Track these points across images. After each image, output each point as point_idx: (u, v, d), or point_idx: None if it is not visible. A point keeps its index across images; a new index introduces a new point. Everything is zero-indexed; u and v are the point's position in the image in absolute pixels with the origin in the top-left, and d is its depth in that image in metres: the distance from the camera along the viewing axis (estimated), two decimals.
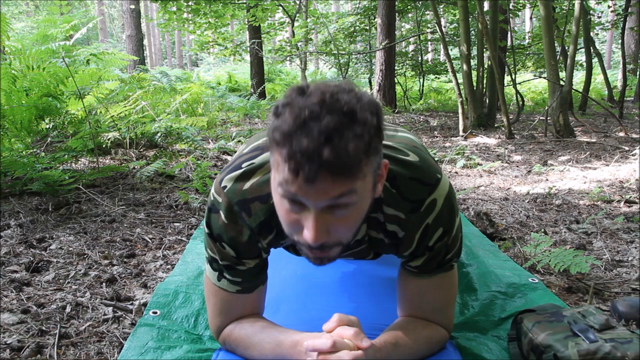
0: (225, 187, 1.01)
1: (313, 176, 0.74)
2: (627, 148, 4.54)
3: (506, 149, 4.84)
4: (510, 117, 6.16)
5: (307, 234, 0.81)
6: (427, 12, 10.95)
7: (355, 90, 0.79)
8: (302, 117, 0.74)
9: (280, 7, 11.12)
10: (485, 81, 6.82)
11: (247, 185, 0.99)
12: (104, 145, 3.51)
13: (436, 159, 4.20)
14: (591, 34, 8.55)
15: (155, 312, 1.33)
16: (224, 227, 1.01)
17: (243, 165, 1.02)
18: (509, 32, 7.66)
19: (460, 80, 6.36)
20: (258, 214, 0.99)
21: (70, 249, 1.94)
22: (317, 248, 0.84)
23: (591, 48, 7.91)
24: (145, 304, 1.48)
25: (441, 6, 10.13)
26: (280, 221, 0.88)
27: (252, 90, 10.52)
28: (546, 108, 5.78)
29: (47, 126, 3.25)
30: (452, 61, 6.58)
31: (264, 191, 0.98)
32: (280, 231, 1.02)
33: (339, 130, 0.73)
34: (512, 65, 7.92)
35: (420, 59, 11.24)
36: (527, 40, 12.29)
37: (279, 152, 0.76)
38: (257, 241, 1.03)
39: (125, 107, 3.59)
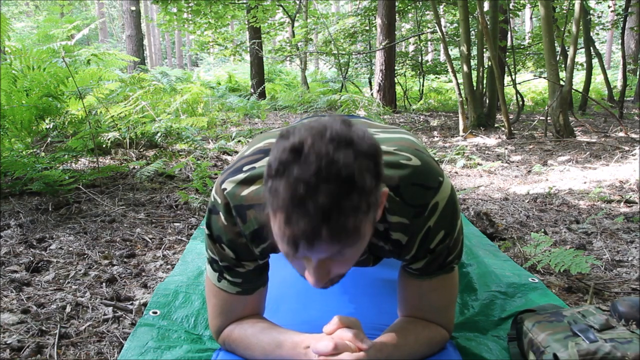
0: (225, 189, 1.01)
1: (311, 249, 0.75)
2: (627, 148, 4.54)
3: (506, 149, 4.84)
4: (510, 117, 6.16)
5: (310, 279, 0.83)
6: (427, 12, 10.95)
7: (354, 140, 0.75)
8: (299, 194, 0.72)
9: (281, 8, 11.12)
10: (485, 81, 6.82)
11: (246, 192, 0.99)
12: (104, 145, 3.51)
13: (436, 159, 4.20)
14: (591, 34, 8.55)
15: (155, 312, 1.33)
16: (223, 228, 1.01)
17: (244, 169, 1.01)
18: (509, 32, 7.66)
19: (460, 80, 6.36)
20: (252, 222, 0.99)
21: (70, 249, 1.94)
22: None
23: (591, 48, 7.91)
24: (145, 304, 1.48)
25: (441, 6, 10.13)
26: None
27: (252, 90, 10.52)
28: (546, 108, 5.78)
29: (47, 126, 3.25)
30: (452, 61, 6.58)
31: (261, 200, 0.97)
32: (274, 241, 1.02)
33: (336, 205, 0.72)
34: (512, 65, 7.92)
35: (420, 59, 11.24)
36: (527, 40, 12.30)
37: (276, 217, 0.76)
38: (251, 247, 1.03)
39: (125, 107, 3.59)
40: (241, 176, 1.00)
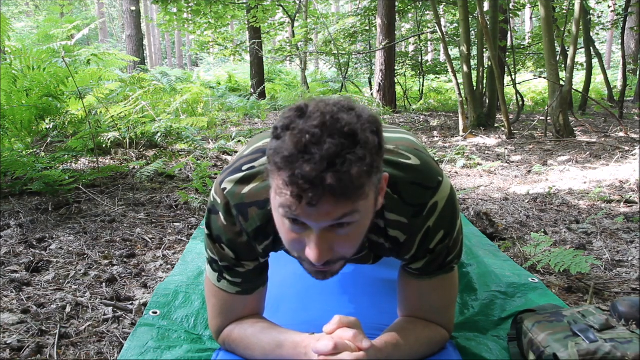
0: (225, 189, 1.01)
1: (316, 201, 0.74)
2: (627, 148, 4.54)
3: (506, 149, 4.84)
4: (510, 117, 6.16)
5: (310, 253, 0.82)
6: (427, 12, 10.95)
7: (356, 108, 0.78)
8: (304, 142, 0.73)
9: (281, 8, 11.12)
10: (485, 81, 6.82)
11: (246, 189, 0.99)
12: (104, 145, 3.51)
13: (436, 159, 4.20)
14: (591, 34, 8.55)
15: (155, 312, 1.33)
16: (223, 228, 1.01)
17: (243, 168, 1.02)
18: (509, 32, 7.66)
19: (460, 81, 6.36)
20: (255, 219, 0.99)
21: (70, 249, 1.94)
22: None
23: (591, 48, 7.91)
24: (145, 304, 1.48)
25: (441, 6, 10.13)
26: (282, 238, 0.88)
27: (252, 90, 10.52)
28: (546, 108, 5.78)
29: (47, 126, 3.25)
30: (452, 61, 6.58)
31: (262, 197, 0.98)
32: (278, 238, 1.02)
33: (340, 154, 0.73)
34: (512, 65, 7.92)
35: (420, 59, 11.24)
36: (527, 40, 12.30)
37: (280, 175, 0.76)
38: (253, 245, 1.03)
39: (125, 107, 3.59)
40: (240, 175, 1.01)
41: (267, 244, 1.03)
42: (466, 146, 4.98)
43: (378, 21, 8.47)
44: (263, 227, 1.00)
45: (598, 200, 2.83)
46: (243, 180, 1.00)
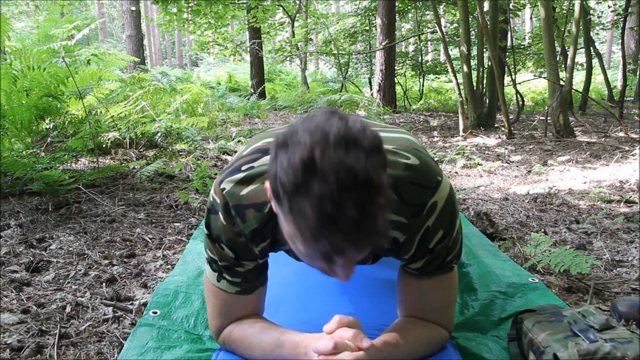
0: (224, 189, 1.01)
1: (346, 257, 0.76)
2: (627, 148, 4.54)
3: (506, 149, 4.84)
4: (510, 117, 6.16)
5: (338, 278, 0.83)
6: (427, 12, 10.95)
7: (357, 135, 0.74)
8: (326, 212, 0.71)
9: (281, 8, 11.12)
10: (485, 81, 6.82)
11: (245, 191, 0.99)
12: (104, 145, 3.51)
13: (436, 159, 4.20)
14: (591, 34, 8.55)
15: (155, 312, 1.33)
16: (222, 228, 1.01)
17: (243, 168, 1.02)
18: (509, 32, 7.66)
19: (460, 81, 6.36)
20: (252, 220, 0.99)
21: (70, 249, 1.94)
22: None
23: (591, 48, 7.91)
24: (145, 304, 1.48)
25: (441, 6, 10.13)
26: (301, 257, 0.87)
27: (252, 90, 10.52)
28: (546, 108, 5.79)
29: (47, 126, 3.25)
30: (452, 61, 6.58)
31: (260, 199, 0.98)
32: (275, 240, 1.02)
33: (363, 211, 0.72)
34: (512, 65, 7.92)
35: (420, 59, 11.24)
36: (527, 40, 12.30)
37: (305, 241, 0.75)
38: (250, 246, 1.03)
39: (125, 107, 3.59)
40: (240, 175, 1.00)
41: (264, 246, 1.03)
42: (466, 146, 4.98)
43: (378, 21, 8.47)
44: (260, 229, 1.00)
45: (598, 200, 2.83)
46: (242, 181, 1.00)
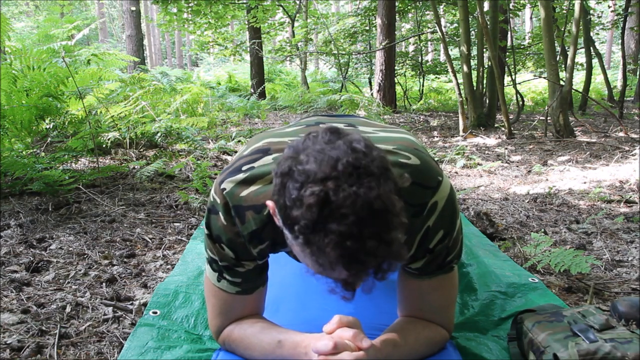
0: (224, 189, 1.01)
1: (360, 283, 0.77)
2: (627, 148, 4.54)
3: (506, 149, 4.84)
4: (510, 117, 6.16)
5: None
6: (427, 12, 10.95)
7: (366, 162, 0.73)
8: (349, 250, 0.71)
9: (281, 8, 11.13)
10: (485, 81, 6.82)
11: (245, 192, 0.99)
12: (104, 145, 3.51)
13: (436, 159, 4.20)
14: (591, 34, 8.55)
15: (155, 312, 1.33)
16: (222, 228, 1.01)
17: (243, 168, 1.02)
18: (509, 32, 7.66)
19: (460, 80, 6.36)
20: (250, 222, 0.99)
21: (70, 249, 1.94)
22: None
23: (591, 48, 7.91)
24: (145, 304, 1.48)
25: (441, 6, 10.13)
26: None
27: (252, 90, 10.53)
28: (546, 108, 5.78)
29: (47, 126, 3.25)
30: (452, 61, 6.58)
31: (259, 201, 0.98)
32: (274, 243, 1.02)
33: (382, 240, 0.73)
34: (512, 65, 7.92)
35: (420, 59, 11.24)
36: (527, 40, 12.30)
37: (329, 271, 0.76)
38: (248, 247, 1.03)
39: (125, 107, 3.59)
40: (240, 176, 1.00)
41: (262, 248, 1.03)
42: (466, 146, 4.98)
43: (378, 21, 8.47)
44: (258, 231, 0.99)
45: (598, 200, 2.83)
46: (242, 182, 1.00)
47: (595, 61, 8.59)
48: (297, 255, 0.82)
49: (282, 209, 0.76)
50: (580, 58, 8.50)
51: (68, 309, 1.44)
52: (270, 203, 0.83)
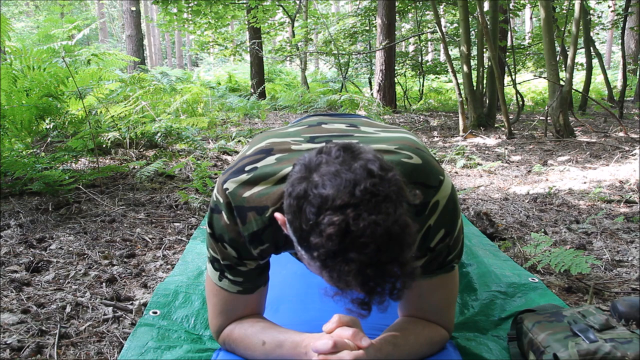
0: (227, 189, 1.01)
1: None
2: (627, 148, 4.54)
3: (506, 149, 4.84)
4: (510, 117, 6.16)
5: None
6: (427, 12, 10.95)
7: (382, 186, 0.74)
8: (370, 277, 0.73)
9: (281, 8, 11.13)
10: (485, 81, 6.82)
11: (248, 193, 0.99)
12: (104, 145, 3.51)
13: (436, 159, 4.20)
14: (591, 34, 8.55)
15: (155, 312, 1.33)
16: (225, 227, 1.01)
17: (246, 169, 1.01)
18: (509, 32, 7.66)
19: (460, 81, 6.36)
20: (252, 223, 0.99)
21: (70, 249, 1.94)
22: None
23: (591, 48, 7.91)
24: (145, 304, 1.48)
25: (441, 6, 10.13)
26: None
27: (252, 90, 10.53)
28: (546, 108, 5.78)
29: (47, 126, 3.25)
30: (452, 61, 6.58)
31: (262, 203, 0.98)
32: (276, 245, 1.02)
33: (400, 261, 0.74)
34: (512, 65, 7.92)
35: (420, 59, 11.25)
36: (527, 40, 12.30)
37: (341, 291, 0.78)
38: (249, 248, 1.03)
39: (125, 107, 3.59)
40: (244, 177, 1.00)
41: (263, 249, 1.03)
42: (466, 146, 4.98)
43: (378, 21, 8.47)
44: (259, 232, 0.99)
45: (598, 200, 2.83)
46: (245, 183, 1.00)
47: (595, 61, 8.59)
48: (308, 268, 0.83)
49: (297, 230, 0.77)
50: (580, 58, 8.50)
51: (68, 309, 1.44)
52: (279, 216, 0.85)
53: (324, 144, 0.83)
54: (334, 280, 0.76)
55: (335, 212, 0.72)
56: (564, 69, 6.80)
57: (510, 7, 7.96)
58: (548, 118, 5.62)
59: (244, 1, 10.36)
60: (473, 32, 8.18)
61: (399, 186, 0.77)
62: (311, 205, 0.74)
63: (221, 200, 1.01)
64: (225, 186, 1.01)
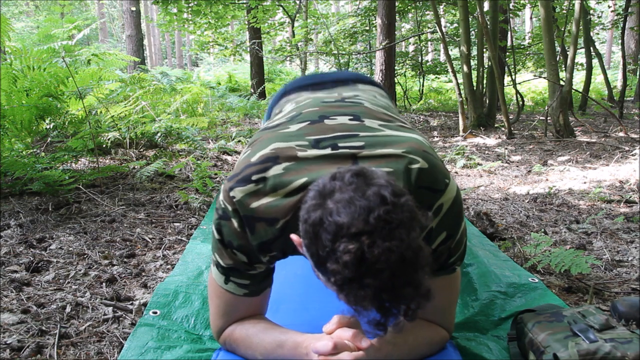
0: (234, 197, 0.99)
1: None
2: (627, 148, 4.54)
3: (506, 149, 4.84)
4: (510, 117, 6.16)
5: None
6: (427, 12, 10.95)
7: (396, 213, 0.77)
8: (386, 300, 0.77)
9: (281, 8, 11.13)
10: (485, 81, 6.82)
11: (256, 204, 0.97)
12: (104, 145, 3.51)
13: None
14: (591, 34, 8.55)
15: (155, 312, 1.33)
16: (235, 234, 1.00)
17: (253, 178, 0.99)
18: (509, 32, 7.66)
19: (460, 80, 6.36)
20: (261, 233, 0.98)
21: (70, 249, 1.94)
22: None
23: (591, 48, 7.91)
24: (145, 304, 1.48)
25: (441, 6, 10.13)
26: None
27: (252, 90, 10.52)
28: (546, 108, 5.78)
29: (47, 126, 3.25)
30: (452, 61, 6.58)
31: (272, 215, 0.97)
32: (284, 252, 1.03)
33: (414, 282, 0.77)
34: (512, 65, 7.92)
35: (420, 59, 11.25)
36: (527, 40, 12.30)
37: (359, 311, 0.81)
38: (257, 254, 1.03)
39: (125, 107, 3.59)
40: (252, 187, 0.98)
41: (272, 256, 1.03)
42: (466, 146, 4.98)
43: (378, 21, 8.47)
44: (268, 242, 0.99)
45: (598, 200, 2.83)
46: (254, 193, 0.98)
47: (595, 61, 8.59)
48: (324, 284, 0.85)
49: (314, 255, 0.80)
50: (580, 58, 8.50)
51: (68, 309, 1.44)
52: (295, 238, 0.88)
53: (336, 171, 0.84)
54: (351, 303, 0.78)
55: (351, 239, 0.75)
56: (564, 69, 6.80)
57: (510, 7, 7.96)
58: (548, 118, 5.62)
59: (244, 1, 10.36)
60: (473, 32, 8.18)
61: (411, 211, 0.79)
62: (327, 232, 0.77)
63: (229, 208, 0.99)
64: (231, 194, 0.99)
